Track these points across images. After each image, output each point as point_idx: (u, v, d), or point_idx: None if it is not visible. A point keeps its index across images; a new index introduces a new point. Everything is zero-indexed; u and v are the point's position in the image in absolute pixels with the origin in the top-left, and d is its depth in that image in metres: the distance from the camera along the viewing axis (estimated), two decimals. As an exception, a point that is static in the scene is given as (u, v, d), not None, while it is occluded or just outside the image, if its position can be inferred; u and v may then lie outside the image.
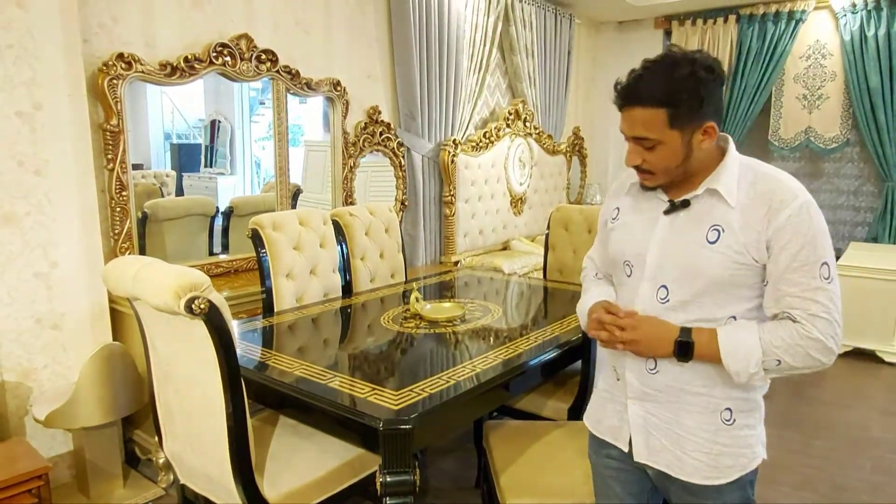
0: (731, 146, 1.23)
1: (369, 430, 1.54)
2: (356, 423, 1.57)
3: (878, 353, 4.09)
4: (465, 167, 4.16)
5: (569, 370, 2.25)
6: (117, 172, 2.61)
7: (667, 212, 1.23)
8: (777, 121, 5.27)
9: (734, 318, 1.19)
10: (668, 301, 1.22)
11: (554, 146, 5.11)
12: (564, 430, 1.96)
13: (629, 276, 1.29)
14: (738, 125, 5.30)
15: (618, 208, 1.37)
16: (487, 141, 4.36)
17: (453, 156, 4.03)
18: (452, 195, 4.09)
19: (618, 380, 1.35)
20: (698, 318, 1.20)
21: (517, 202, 4.74)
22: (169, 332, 1.58)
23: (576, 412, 2.18)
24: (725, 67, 5.27)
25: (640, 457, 1.30)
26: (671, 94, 1.13)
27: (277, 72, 3.15)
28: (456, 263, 4.12)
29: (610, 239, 1.37)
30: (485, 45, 4.28)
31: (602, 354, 1.43)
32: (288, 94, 3.27)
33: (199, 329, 1.46)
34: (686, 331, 1.19)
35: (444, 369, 1.82)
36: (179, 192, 3.45)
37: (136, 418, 2.64)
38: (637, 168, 1.23)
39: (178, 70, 2.75)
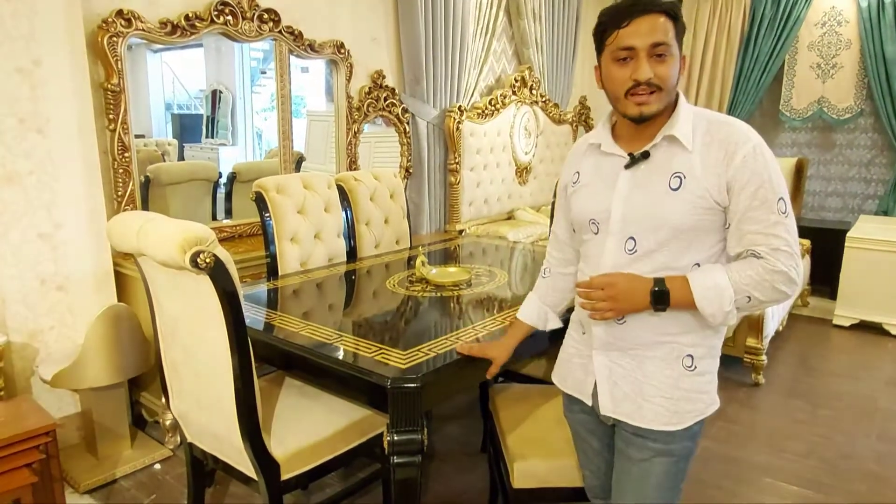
0: (682, 96, 1.26)
1: (377, 389, 1.53)
2: (364, 383, 1.55)
3: (884, 325, 4.07)
4: (470, 135, 4.09)
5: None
6: (119, 133, 2.57)
7: (627, 166, 1.25)
8: (789, 90, 5.17)
9: (698, 265, 1.22)
10: (635, 251, 1.24)
11: (560, 115, 5.04)
12: (572, 393, 1.95)
13: (596, 234, 1.31)
14: (750, 95, 5.21)
15: (577, 172, 1.38)
16: (493, 108, 4.29)
17: (459, 123, 3.97)
18: (458, 163, 4.04)
19: (584, 333, 1.38)
20: (663, 266, 1.22)
21: (522, 172, 4.69)
22: (174, 288, 1.56)
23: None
24: (738, 35, 5.16)
25: (605, 409, 1.33)
26: (674, 7, 1.18)
27: (280, 32, 3.08)
28: (460, 232, 4.09)
29: (572, 203, 1.38)
30: (491, 8, 4.18)
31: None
32: (291, 57, 3.20)
33: (205, 285, 1.44)
34: (660, 280, 1.20)
35: (451, 332, 1.81)
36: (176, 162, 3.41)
37: (142, 381, 2.65)
38: (646, 84, 1.17)
39: (179, 28, 2.69)
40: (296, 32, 3.14)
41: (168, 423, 2.52)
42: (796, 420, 2.91)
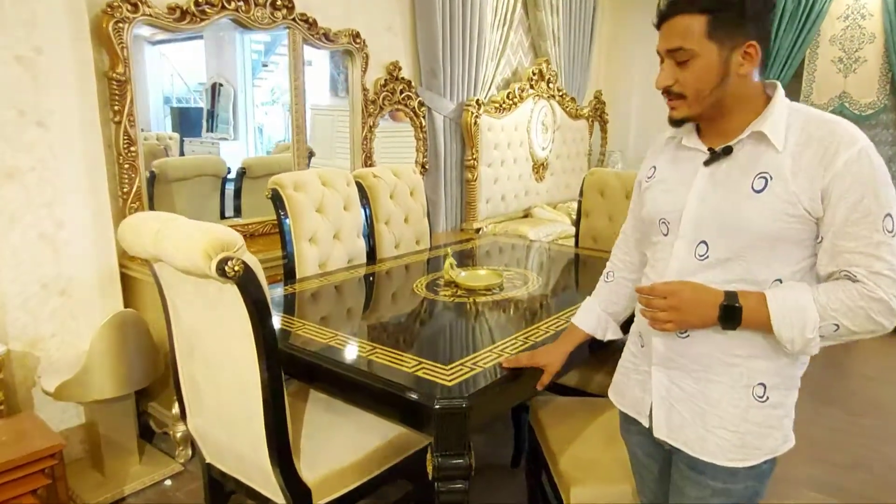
0: (780, 91, 1.10)
1: (421, 409, 1.38)
2: (404, 401, 1.41)
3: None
4: (488, 129, 3.94)
5: (615, 343, 2.09)
6: (125, 126, 2.40)
7: (707, 162, 1.11)
8: (809, 85, 5.03)
9: (780, 281, 1.06)
10: (707, 257, 1.09)
11: (577, 110, 4.88)
12: (621, 408, 1.81)
13: (665, 235, 1.17)
14: (769, 89, 5.06)
15: (654, 167, 1.25)
16: (511, 102, 4.13)
17: (476, 117, 3.81)
18: (475, 159, 3.89)
19: (642, 346, 1.24)
20: (739, 278, 1.07)
21: (539, 168, 4.54)
22: (195, 297, 1.41)
23: (626, 388, 2.03)
24: (758, 28, 5.02)
25: (659, 432, 1.19)
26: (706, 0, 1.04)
27: (293, 20, 2.92)
28: (477, 231, 3.94)
29: (645, 199, 1.25)
30: (509, -1, 4.02)
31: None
32: (305, 47, 3.04)
33: (231, 294, 1.29)
34: (732, 294, 1.05)
35: (494, 342, 1.66)
36: (181, 156, 3.27)
37: (150, 390, 2.49)
38: (667, 92, 1.11)
39: (189, 14, 2.53)
40: (310, 20, 2.98)
41: (179, 435, 2.37)
42: (834, 429, 2.77)
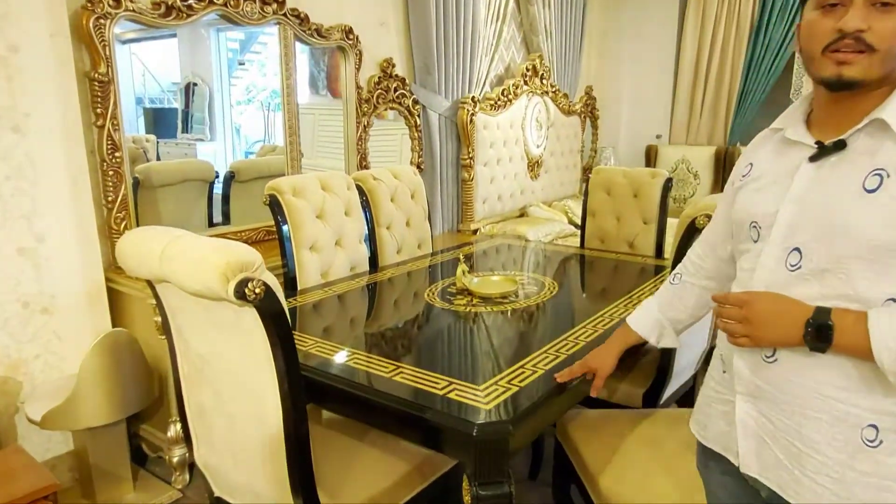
0: None
1: (457, 435, 1.28)
2: (435, 426, 1.30)
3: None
4: (483, 127, 3.83)
5: (642, 348, 2.01)
6: (108, 130, 2.24)
7: (813, 158, 0.93)
8: (800, 78, 5.02)
9: (893, 301, 0.86)
10: (799, 267, 0.92)
11: (569, 106, 4.80)
12: (657, 419, 1.72)
13: (755, 242, 1.00)
14: (760, 83, 5.04)
15: (751, 164, 1.07)
16: (506, 99, 4.03)
17: (472, 115, 3.70)
18: (471, 158, 3.77)
19: (724, 371, 1.07)
20: (840, 294, 0.88)
21: (534, 165, 4.44)
22: (206, 321, 1.28)
23: (652, 398, 1.94)
24: (747, 22, 4.99)
25: (748, 468, 1.01)
26: None
27: (284, 15, 2.77)
28: (475, 232, 3.83)
29: (737, 199, 1.07)
30: (502, -8, 3.91)
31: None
32: (296, 43, 2.89)
33: (249, 318, 1.16)
34: (824, 310, 0.87)
35: (524, 356, 1.55)
36: (158, 159, 3.11)
37: (142, 411, 2.32)
38: (852, 39, 0.88)
39: (175, 10, 2.36)
40: (302, 16, 2.83)
41: (175, 459, 2.21)
42: None
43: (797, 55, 4.92)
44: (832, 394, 0.90)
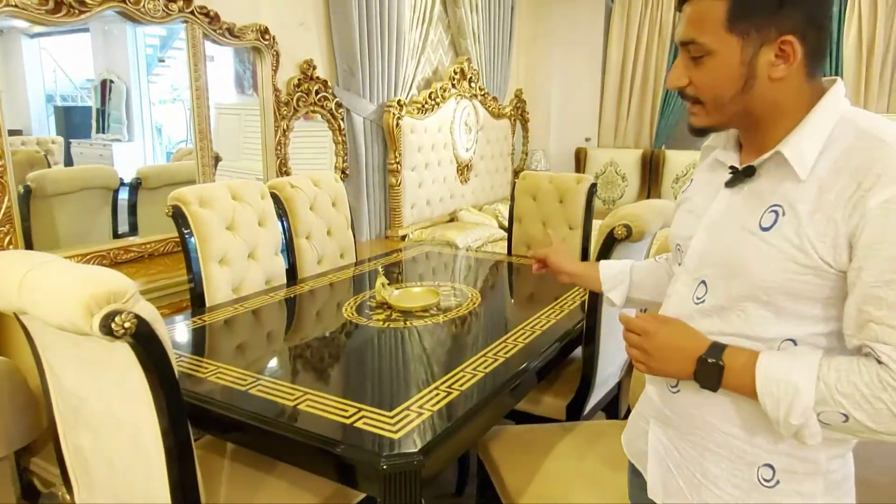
0: (835, 92, 0.83)
1: (364, 468, 1.20)
2: (339, 458, 1.22)
3: None
4: (410, 131, 3.75)
5: (564, 360, 1.99)
6: (-15, 136, 2.02)
7: (728, 183, 0.90)
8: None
9: (793, 342, 0.83)
10: (703, 301, 0.91)
11: (499, 109, 4.80)
12: (578, 435, 1.69)
13: (679, 265, 1.00)
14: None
15: (692, 179, 1.06)
16: (433, 103, 3.97)
17: (398, 118, 3.62)
18: (398, 162, 3.69)
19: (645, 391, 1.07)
20: (738, 333, 0.86)
21: (463, 169, 4.41)
22: (76, 357, 1.14)
23: (576, 410, 1.92)
24: (669, 28, 5.14)
25: (654, 495, 1.00)
26: None
27: (192, 13, 2.60)
28: (403, 238, 3.75)
29: (674, 217, 1.07)
30: (427, -5, 3.85)
31: None
32: (206, 43, 2.72)
33: (123, 354, 1.04)
34: (717, 348, 0.85)
35: (440, 376, 1.49)
36: (68, 161, 2.87)
37: (31, 445, 2.12)
38: (682, 95, 0.90)
39: (65, 6, 2.16)
40: (211, 14, 2.67)
41: (69, 498, 2.02)
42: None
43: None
44: (730, 430, 0.88)
